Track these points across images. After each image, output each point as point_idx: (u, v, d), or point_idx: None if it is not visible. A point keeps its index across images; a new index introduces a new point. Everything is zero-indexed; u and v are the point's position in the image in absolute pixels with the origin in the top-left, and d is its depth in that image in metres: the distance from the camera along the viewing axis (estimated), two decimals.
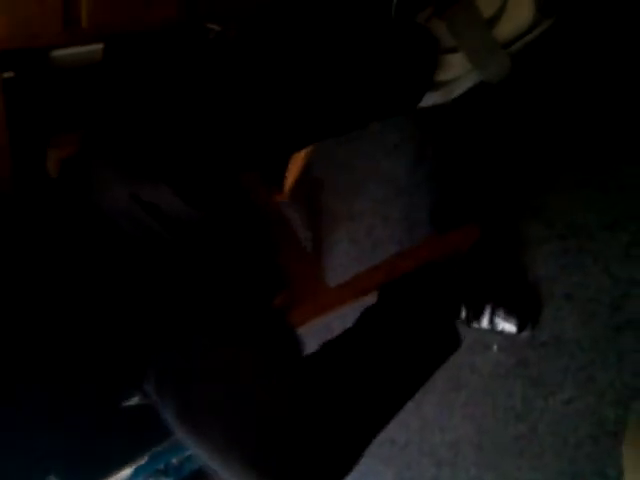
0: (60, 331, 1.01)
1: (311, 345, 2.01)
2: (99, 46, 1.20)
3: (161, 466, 2.95)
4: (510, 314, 1.23)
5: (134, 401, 1.05)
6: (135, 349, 1.02)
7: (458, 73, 0.99)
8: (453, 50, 0.97)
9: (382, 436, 1.19)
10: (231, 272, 1.11)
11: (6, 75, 1.18)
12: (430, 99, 1.04)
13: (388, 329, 1.18)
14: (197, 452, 0.94)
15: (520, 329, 1.22)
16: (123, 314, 1.02)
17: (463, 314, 1.28)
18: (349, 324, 1.25)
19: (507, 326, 1.24)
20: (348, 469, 0.93)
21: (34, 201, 1.10)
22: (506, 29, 0.95)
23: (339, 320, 1.79)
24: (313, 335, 2.01)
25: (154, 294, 1.03)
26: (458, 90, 1.03)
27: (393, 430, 1.70)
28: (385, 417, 1.05)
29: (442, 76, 0.99)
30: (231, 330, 1.00)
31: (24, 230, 1.05)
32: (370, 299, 1.28)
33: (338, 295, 1.30)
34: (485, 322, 1.27)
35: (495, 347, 1.32)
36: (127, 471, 2.50)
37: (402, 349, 1.14)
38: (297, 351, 1.08)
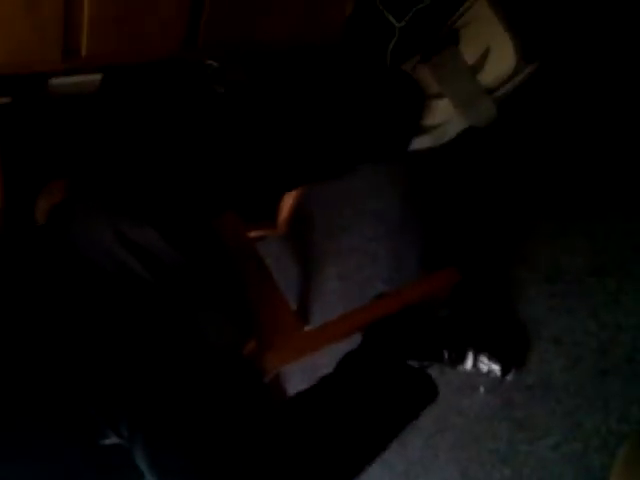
0: (40, 368, 1.00)
1: (295, 381, 1.99)
2: (97, 76, 1.22)
3: None
4: (493, 358, 1.23)
5: (111, 440, 1.03)
6: (111, 388, 1.01)
7: (445, 118, 1.02)
8: (439, 96, 0.99)
9: (365, 477, 1.18)
10: (201, 316, 1.11)
11: (3, 100, 1.19)
12: (421, 143, 1.06)
13: (367, 378, 1.19)
14: None
15: (504, 373, 1.22)
16: (100, 354, 1.02)
17: (446, 356, 1.28)
18: (335, 360, 1.24)
19: (492, 368, 1.23)
20: None
21: (20, 248, 1.10)
22: (490, 75, 0.98)
23: (325, 356, 1.78)
24: (299, 371, 2.00)
25: (131, 335, 1.03)
26: (448, 134, 1.05)
27: (377, 471, 1.68)
28: (358, 466, 1.05)
29: (430, 121, 1.02)
30: (199, 376, 1.00)
31: (8, 274, 1.05)
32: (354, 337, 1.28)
33: (314, 338, 1.30)
34: (469, 365, 1.27)
35: (482, 389, 1.32)
36: None
37: (380, 397, 1.14)
38: (264, 399, 1.08)
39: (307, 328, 1.75)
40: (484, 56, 1.00)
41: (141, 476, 1.02)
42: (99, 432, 1.03)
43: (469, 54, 1.01)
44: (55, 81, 1.20)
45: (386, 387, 1.19)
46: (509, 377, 1.22)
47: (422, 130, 1.03)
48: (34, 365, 0.99)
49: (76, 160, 1.23)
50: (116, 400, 1.00)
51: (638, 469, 0.49)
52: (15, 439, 0.97)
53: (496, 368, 1.23)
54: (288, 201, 1.69)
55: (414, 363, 1.29)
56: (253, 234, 1.74)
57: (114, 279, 0.98)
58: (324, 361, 1.80)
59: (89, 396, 1.01)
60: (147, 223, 0.93)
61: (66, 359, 1.01)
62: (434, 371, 1.35)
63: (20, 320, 1.01)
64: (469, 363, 1.27)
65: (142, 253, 0.95)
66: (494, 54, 0.99)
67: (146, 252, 0.95)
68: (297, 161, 0.96)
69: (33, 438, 0.98)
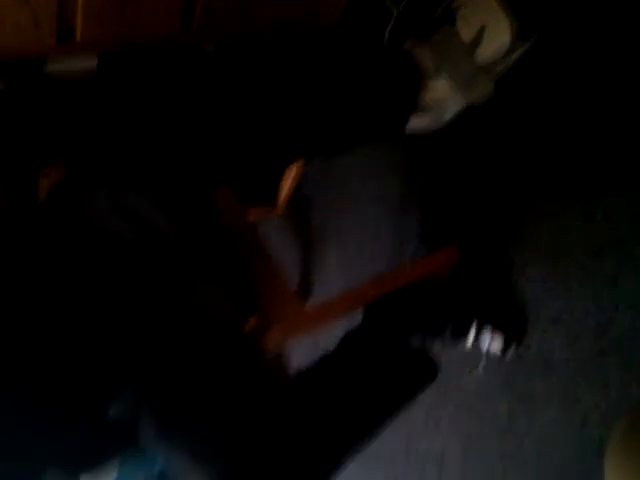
0: (45, 338, 1.01)
1: (297, 359, 2.01)
2: (93, 61, 1.21)
3: (148, 460, 2.93)
4: (494, 334, 1.25)
5: (116, 410, 1.05)
6: (115, 356, 1.02)
7: (443, 97, 1.01)
8: (437, 75, 0.99)
9: (368, 447, 1.20)
10: (200, 290, 1.11)
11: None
12: (420, 123, 1.06)
13: (368, 357, 1.20)
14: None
15: (505, 348, 1.24)
16: (101, 324, 1.03)
17: (449, 331, 1.30)
18: (336, 338, 1.26)
19: (493, 345, 1.25)
20: None
21: (21, 226, 1.10)
22: (486, 53, 0.98)
23: (326, 334, 1.80)
24: (300, 349, 2.02)
25: (131, 309, 1.04)
26: (447, 114, 1.05)
27: (380, 442, 1.71)
28: (358, 443, 1.07)
29: (427, 100, 1.01)
30: (202, 346, 1.01)
31: (10, 251, 1.05)
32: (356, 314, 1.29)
33: (315, 316, 1.31)
34: (470, 341, 1.28)
35: (481, 366, 1.34)
36: (115, 462, 2.47)
37: (380, 376, 1.16)
38: (265, 376, 1.09)
39: (308, 306, 1.77)
40: (480, 34, 1.00)
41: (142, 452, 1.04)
42: (103, 401, 1.05)
43: (465, 33, 1.01)
44: (51, 66, 1.19)
45: (387, 366, 1.20)
46: (509, 354, 1.24)
47: (420, 109, 1.02)
48: (37, 335, 1.00)
49: (74, 140, 1.23)
50: (121, 367, 1.01)
51: (635, 442, 0.51)
52: (18, 408, 0.98)
53: (497, 344, 1.25)
54: (287, 181, 1.69)
55: (415, 340, 1.31)
56: (253, 214, 1.75)
57: (112, 252, 0.98)
58: (325, 339, 1.82)
59: (92, 366, 1.03)
60: (143, 192, 0.94)
61: (68, 329, 1.02)
62: (436, 347, 1.37)
63: (22, 292, 1.02)
64: (470, 340, 1.29)
65: (139, 224, 0.96)
66: (490, 32, 0.99)
67: (143, 224, 0.96)
68: (293, 132, 0.96)
69: (36, 408, 0.99)
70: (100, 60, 1.20)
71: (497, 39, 0.97)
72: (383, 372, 1.19)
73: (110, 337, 1.05)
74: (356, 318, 1.33)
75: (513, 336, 1.23)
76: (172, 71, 1.20)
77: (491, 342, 1.25)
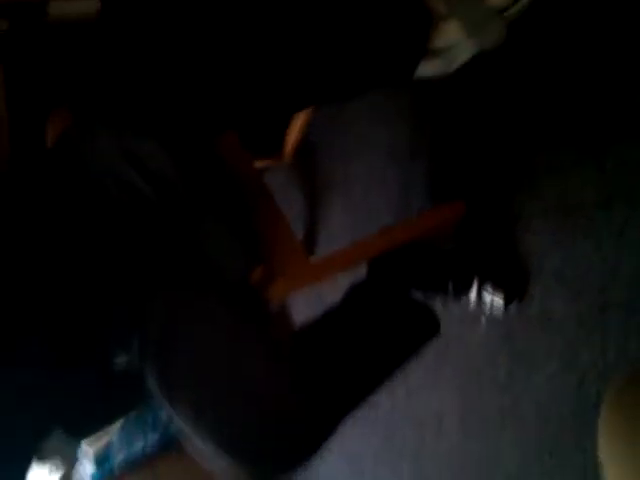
0: (53, 291, 1.02)
1: (301, 310, 2.02)
2: (95, 3, 1.18)
3: (149, 420, 3.02)
4: (497, 288, 1.23)
5: (122, 360, 1.07)
6: (121, 308, 1.03)
7: (453, 41, 0.98)
8: (447, 18, 0.95)
9: (368, 402, 1.21)
10: (206, 238, 1.11)
11: (2, 26, 1.16)
12: (429, 69, 1.02)
13: (372, 311, 1.20)
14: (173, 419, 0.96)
15: (507, 302, 1.22)
16: (109, 274, 1.03)
17: (451, 287, 1.29)
18: (340, 291, 1.26)
19: (495, 300, 1.24)
20: (317, 447, 0.95)
21: (31, 173, 1.10)
22: None
23: (331, 287, 1.80)
24: (304, 301, 2.03)
25: (136, 254, 1.04)
26: (457, 61, 1.01)
27: (380, 397, 1.73)
28: (361, 395, 1.07)
29: (437, 44, 0.98)
30: (207, 302, 1.01)
31: (21, 199, 1.05)
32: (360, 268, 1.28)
33: (320, 268, 1.30)
34: (473, 295, 1.27)
35: (483, 320, 1.33)
36: (117, 423, 2.55)
37: (384, 330, 1.16)
38: (269, 325, 1.09)
39: (313, 258, 1.77)
40: None
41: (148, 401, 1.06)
42: (111, 352, 1.06)
43: None
44: (53, 7, 1.17)
45: (390, 319, 1.21)
46: (511, 307, 1.23)
47: (430, 54, 0.99)
48: (45, 284, 1.01)
49: (78, 83, 1.21)
50: (127, 321, 1.02)
51: (630, 400, 0.50)
52: (28, 357, 1.00)
53: (499, 298, 1.24)
54: (294, 130, 1.67)
55: (418, 294, 1.31)
56: (259, 164, 1.73)
57: (119, 200, 0.98)
58: (329, 291, 1.82)
59: (101, 318, 1.04)
60: (150, 137, 0.93)
61: (77, 276, 1.02)
62: (438, 303, 1.37)
63: (30, 240, 1.02)
64: (473, 294, 1.28)
65: (146, 170, 0.95)
66: None
67: (149, 169, 0.95)
68: (301, 74, 0.94)
69: (48, 366, 1.01)
70: (102, 2, 1.17)
71: None
72: (386, 326, 1.20)
73: (117, 282, 1.05)
74: (360, 271, 1.33)
75: (515, 291, 1.22)
76: (175, 10, 1.18)
77: (494, 295, 1.24)
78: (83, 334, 1.05)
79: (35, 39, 1.19)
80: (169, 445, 3.05)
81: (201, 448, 0.94)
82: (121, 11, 1.19)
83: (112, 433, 2.80)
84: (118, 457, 2.99)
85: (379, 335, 1.17)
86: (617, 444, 0.46)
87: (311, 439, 0.97)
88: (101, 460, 2.93)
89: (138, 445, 3.02)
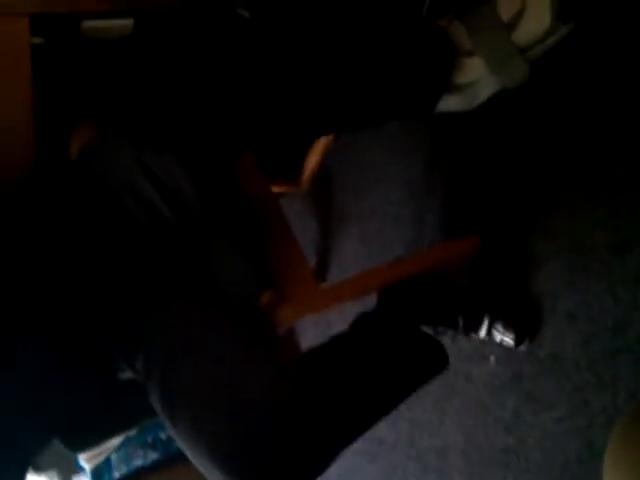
0: (59, 296, 1.03)
1: (309, 337, 2.02)
2: (130, 21, 1.22)
3: (149, 439, 3.00)
4: (508, 327, 1.23)
5: (127, 374, 1.07)
6: (128, 321, 1.03)
7: (475, 77, 0.99)
8: (471, 53, 0.97)
9: (371, 434, 1.20)
10: (217, 258, 1.12)
11: (36, 41, 1.19)
12: (450, 104, 1.04)
13: (380, 340, 1.19)
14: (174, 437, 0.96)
15: (518, 343, 1.22)
16: (118, 286, 1.04)
17: (461, 323, 1.28)
18: (349, 320, 1.25)
19: (505, 339, 1.23)
20: (315, 473, 0.94)
21: (53, 185, 1.12)
22: (524, 34, 0.95)
23: (340, 315, 1.80)
24: (312, 327, 2.02)
25: (147, 269, 1.05)
26: (479, 97, 1.03)
27: (383, 429, 1.71)
28: (363, 425, 1.06)
29: (460, 79, 0.99)
30: (214, 321, 1.02)
31: (39, 207, 1.07)
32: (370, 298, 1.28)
33: (330, 295, 1.30)
34: (483, 333, 1.27)
35: (492, 359, 1.32)
36: (117, 440, 2.55)
37: (391, 360, 1.15)
38: (275, 349, 1.09)
39: (323, 285, 1.77)
40: (519, 14, 0.97)
41: (154, 411, 1.06)
42: (115, 366, 1.07)
43: (504, 11, 0.98)
44: (87, 24, 1.20)
45: (397, 350, 1.20)
46: (522, 348, 1.22)
47: (452, 88, 1.00)
48: (55, 299, 1.02)
49: (106, 99, 1.24)
50: (133, 336, 1.03)
51: (635, 438, 0.49)
52: (34, 370, 1.01)
53: (510, 338, 1.23)
54: (312, 158, 1.68)
55: (428, 328, 1.30)
56: (276, 189, 1.75)
57: (135, 214, 0.99)
58: (338, 319, 1.82)
59: (107, 330, 1.05)
60: (170, 153, 0.95)
61: (87, 293, 1.03)
62: (447, 338, 1.36)
63: (42, 247, 1.03)
64: (483, 331, 1.28)
65: (163, 187, 0.97)
66: (529, 12, 0.96)
67: (167, 186, 0.97)
68: (323, 100, 0.95)
69: (49, 369, 1.01)
70: (136, 20, 1.21)
71: (536, 19, 0.94)
72: (393, 356, 1.19)
73: (124, 295, 1.06)
74: (371, 301, 1.33)
75: (527, 330, 1.21)
76: (205, 34, 1.21)
77: (505, 334, 1.23)
78: (87, 342, 1.05)
79: (69, 54, 1.22)
80: (168, 464, 3.02)
81: (200, 465, 0.94)
82: (152, 31, 1.22)
83: (111, 450, 2.78)
84: (115, 474, 2.97)
85: (385, 365, 1.16)
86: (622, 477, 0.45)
87: (309, 465, 0.96)
88: (98, 476, 2.90)
89: (137, 463, 2.99)
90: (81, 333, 1.05)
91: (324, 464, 0.96)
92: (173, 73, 1.12)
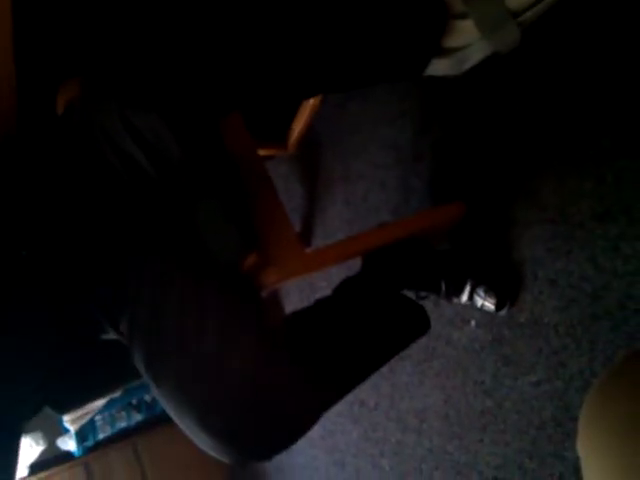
0: (46, 253, 1.02)
1: (294, 300, 2.03)
2: None
3: (134, 401, 3.03)
4: (490, 292, 1.24)
5: (110, 336, 1.07)
6: (114, 283, 1.03)
7: (467, 41, 0.97)
8: (463, 16, 0.95)
9: (353, 396, 1.22)
10: (202, 217, 1.11)
11: None
12: (440, 67, 1.02)
13: (363, 304, 1.20)
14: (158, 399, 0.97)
15: (498, 307, 1.23)
16: (101, 244, 1.04)
17: (444, 288, 1.29)
18: (333, 284, 1.26)
19: (486, 303, 1.25)
20: (297, 436, 0.95)
21: (36, 138, 1.10)
22: None
23: (324, 278, 1.81)
24: (297, 291, 2.04)
25: (130, 227, 1.05)
26: (468, 62, 1.02)
27: (364, 392, 1.74)
28: (345, 387, 1.08)
29: (451, 42, 0.98)
30: (199, 283, 1.01)
31: (22, 162, 1.06)
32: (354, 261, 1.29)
33: (315, 259, 1.30)
34: (465, 298, 1.28)
35: (473, 323, 1.34)
36: (101, 402, 2.56)
37: (373, 323, 1.17)
38: (258, 313, 1.10)
39: (308, 249, 1.77)
40: None
41: (138, 373, 1.07)
42: (99, 327, 1.07)
43: None
44: None
45: (380, 314, 1.21)
46: (502, 313, 1.24)
47: (442, 52, 0.99)
48: (41, 252, 1.02)
49: (91, 55, 1.22)
50: (117, 297, 1.03)
51: (614, 392, 0.50)
52: (21, 328, 1.01)
53: (491, 302, 1.24)
54: (300, 121, 1.67)
55: (411, 293, 1.31)
56: (263, 152, 1.73)
57: (118, 170, 0.98)
58: (323, 284, 1.83)
59: (92, 289, 1.04)
60: (154, 110, 0.93)
61: (72, 248, 1.03)
62: (429, 302, 1.38)
63: (31, 205, 1.02)
64: (465, 296, 1.29)
65: (146, 143, 0.95)
66: None
67: (150, 143, 0.95)
68: (311, 58, 0.93)
69: (36, 327, 1.01)
70: None
71: None
72: (375, 320, 1.20)
73: (113, 256, 1.06)
74: (355, 267, 1.33)
75: (508, 296, 1.23)
76: None
77: (486, 298, 1.25)
78: (72, 301, 1.05)
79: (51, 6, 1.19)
80: (152, 425, 3.06)
81: (184, 426, 0.95)
82: None
83: (95, 411, 2.81)
84: (100, 436, 3.00)
85: (368, 328, 1.17)
86: (598, 437, 0.46)
87: (292, 427, 0.97)
88: (82, 437, 2.93)
89: (121, 425, 3.03)
90: (66, 290, 1.05)
91: (306, 426, 0.98)
92: (159, 27, 1.10)
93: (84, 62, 1.23)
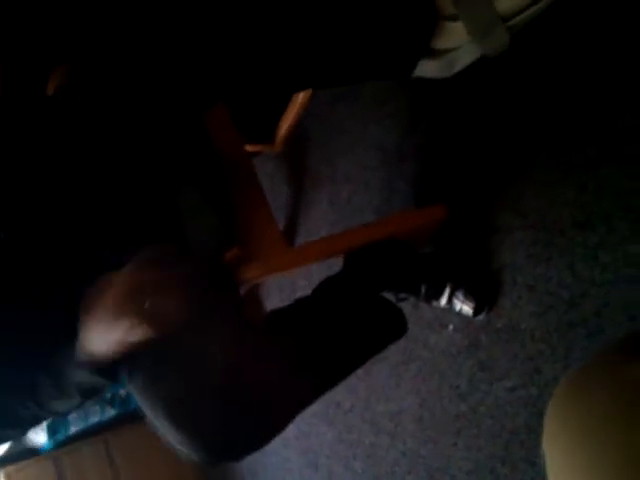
0: (24, 238, 1.01)
1: (274, 299, 2.02)
2: None
3: (108, 396, 2.99)
4: (469, 296, 1.25)
5: None
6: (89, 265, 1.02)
7: (456, 43, 0.98)
8: (453, 18, 0.96)
9: (328, 398, 1.21)
10: (184, 208, 1.11)
11: None
12: (428, 69, 1.03)
13: (342, 304, 1.20)
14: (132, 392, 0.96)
15: (476, 312, 1.24)
16: (81, 224, 1.03)
17: (423, 291, 1.30)
18: (314, 284, 1.26)
19: (464, 307, 1.25)
20: (270, 436, 0.95)
21: (18, 119, 1.09)
22: (507, 2, 0.94)
23: (305, 277, 1.81)
24: (277, 290, 2.03)
25: (114, 207, 1.04)
26: (457, 65, 1.02)
27: (340, 393, 1.73)
28: (321, 388, 1.07)
29: (440, 44, 0.98)
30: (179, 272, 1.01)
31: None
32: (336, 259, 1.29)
33: (296, 256, 1.30)
34: (444, 301, 1.28)
35: (451, 327, 1.34)
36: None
37: (351, 324, 1.16)
38: (238, 307, 1.09)
39: (290, 247, 1.77)
40: None
41: None
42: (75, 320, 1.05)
43: None
44: None
45: (358, 315, 1.21)
46: (480, 317, 1.24)
47: (431, 53, 0.99)
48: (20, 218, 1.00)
49: (81, 43, 1.21)
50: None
51: (578, 391, 0.49)
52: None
53: (469, 307, 1.25)
54: (287, 119, 1.67)
55: (391, 295, 1.31)
56: (250, 148, 1.73)
57: (104, 152, 0.98)
58: (303, 283, 1.83)
59: (70, 276, 1.03)
60: (144, 103, 0.93)
61: (52, 213, 1.02)
62: (409, 305, 1.38)
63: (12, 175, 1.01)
64: (444, 299, 1.29)
65: (136, 135, 0.95)
66: None
67: (140, 135, 0.95)
68: (299, 52, 0.93)
69: (15, 316, 1.00)
70: None
71: None
72: (353, 320, 1.20)
73: (91, 230, 1.04)
74: (337, 267, 1.33)
75: (486, 300, 1.23)
76: None
77: (463, 304, 1.25)
78: (47, 289, 1.04)
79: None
80: (125, 421, 3.03)
81: (157, 424, 0.93)
82: None
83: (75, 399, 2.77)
84: (72, 429, 2.96)
85: (345, 329, 1.17)
86: (564, 432, 0.46)
87: (271, 424, 0.97)
88: (54, 431, 2.89)
89: (94, 419, 2.99)
90: (45, 274, 1.04)
91: (279, 427, 0.97)
92: (144, 15, 1.09)
93: (71, 49, 1.22)
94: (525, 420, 1.19)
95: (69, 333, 0.97)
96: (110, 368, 0.92)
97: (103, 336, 0.84)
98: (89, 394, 1.02)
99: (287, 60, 0.92)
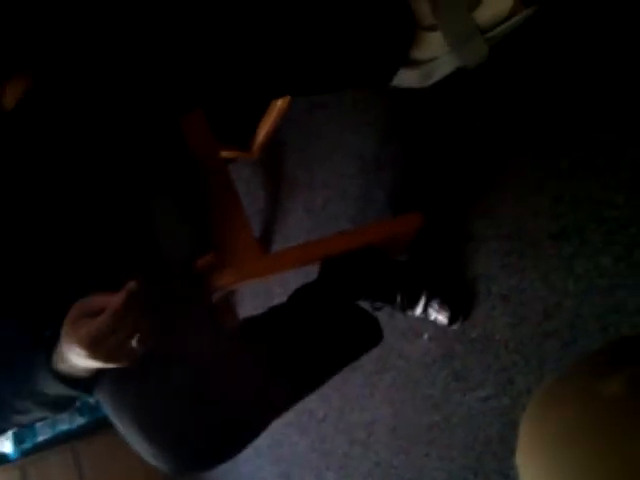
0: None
1: (247, 308, 2.00)
2: None
3: (77, 404, 2.93)
4: (444, 305, 1.25)
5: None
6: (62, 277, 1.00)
7: (434, 53, 0.98)
8: (432, 28, 0.96)
9: (302, 406, 1.20)
10: (157, 213, 1.09)
11: None
12: (407, 79, 1.03)
13: (316, 312, 1.19)
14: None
15: (451, 321, 1.23)
16: (52, 236, 1.01)
17: (399, 300, 1.29)
18: (290, 289, 1.25)
19: (439, 317, 1.25)
20: (242, 446, 0.93)
21: None
22: (486, 13, 0.95)
23: (280, 284, 1.79)
24: (252, 297, 2.01)
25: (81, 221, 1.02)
26: (435, 75, 1.02)
27: (314, 402, 1.72)
28: (294, 397, 1.06)
29: (419, 54, 0.98)
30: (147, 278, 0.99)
31: None
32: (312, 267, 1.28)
33: (270, 263, 1.30)
34: (419, 310, 1.28)
35: (426, 336, 1.34)
36: None
37: (326, 332, 1.16)
38: (210, 314, 1.08)
39: (265, 254, 1.75)
40: None
41: None
42: (43, 326, 1.03)
43: None
44: None
45: (333, 323, 1.20)
46: (455, 327, 1.24)
47: (410, 63, 0.99)
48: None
49: (43, 48, 1.18)
50: (63, 293, 0.99)
51: (551, 404, 0.49)
52: None
53: (444, 316, 1.24)
54: (265, 126, 1.66)
55: (366, 303, 1.31)
56: (226, 154, 1.72)
57: (75, 164, 0.96)
58: (279, 291, 1.82)
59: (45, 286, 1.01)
60: (114, 108, 0.91)
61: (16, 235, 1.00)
62: (384, 314, 1.37)
63: None
64: (419, 308, 1.29)
65: (105, 140, 0.93)
66: None
67: (110, 140, 0.94)
68: (275, 57, 0.93)
69: None
70: None
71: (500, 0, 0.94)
72: (328, 329, 1.19)
73: (56, 248, 1.02)
74: (313, 275, 1.32)
75: (461, 310, 1.23)
76: None
77: (438, 314, 1.25)
78: (21, 301, 1.01)
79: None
80: (94, 429, 2.97)
81: (125, 433, 0.91)
82: None
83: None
84: (39, 438, 2.90)
85: (319, 337, 1.16)
86: (538, 444, 0.46)
87: (239, 435, 0.95)
88: (20, 440, 2.83)
89: (62, 428, 2.94)
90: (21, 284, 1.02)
91: (252, 436, 0.96)
92: (117, 17, 1.07)
93: (36, 54, 1.19)
94: (498, 430, 1.19)
95: (37, 346, 0.95)
96: (85, 380, 0.91)
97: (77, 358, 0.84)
98: (61, 407, 1.00)
99: (267, 67, 0.91)
